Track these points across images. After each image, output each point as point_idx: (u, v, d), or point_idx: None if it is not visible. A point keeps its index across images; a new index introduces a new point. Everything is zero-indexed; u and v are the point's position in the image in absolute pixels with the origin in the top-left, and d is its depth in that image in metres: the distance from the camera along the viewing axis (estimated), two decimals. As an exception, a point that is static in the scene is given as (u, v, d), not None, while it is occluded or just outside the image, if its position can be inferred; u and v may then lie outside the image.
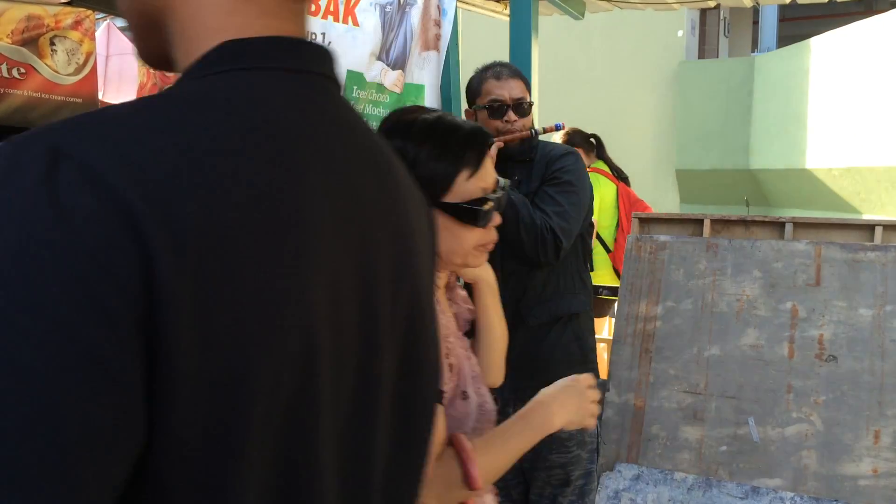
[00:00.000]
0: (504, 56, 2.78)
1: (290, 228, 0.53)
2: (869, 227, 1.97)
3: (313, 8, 2.44)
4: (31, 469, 0.41)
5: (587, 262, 2.33)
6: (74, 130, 0.48)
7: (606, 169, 4.03)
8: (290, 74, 0.59)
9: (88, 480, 0.42)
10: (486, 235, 1.22)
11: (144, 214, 0.45)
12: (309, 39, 0.63)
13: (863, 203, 8.47)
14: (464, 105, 2.32)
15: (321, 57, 0.62)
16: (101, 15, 5.21)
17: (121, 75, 5.75)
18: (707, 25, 11.72)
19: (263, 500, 0.52)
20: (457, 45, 3.14)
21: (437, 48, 3.00)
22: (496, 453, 1.16)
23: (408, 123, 1.18)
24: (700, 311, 2.03)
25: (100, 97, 5.18)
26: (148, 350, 0.45)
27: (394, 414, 0.65)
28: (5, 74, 3.52)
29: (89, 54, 3.89)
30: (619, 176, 4.06)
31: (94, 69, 3.95)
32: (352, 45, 2.61)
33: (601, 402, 1.43)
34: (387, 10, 2.73)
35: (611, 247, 3.97)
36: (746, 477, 1.94)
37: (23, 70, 3.58)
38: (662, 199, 11.00)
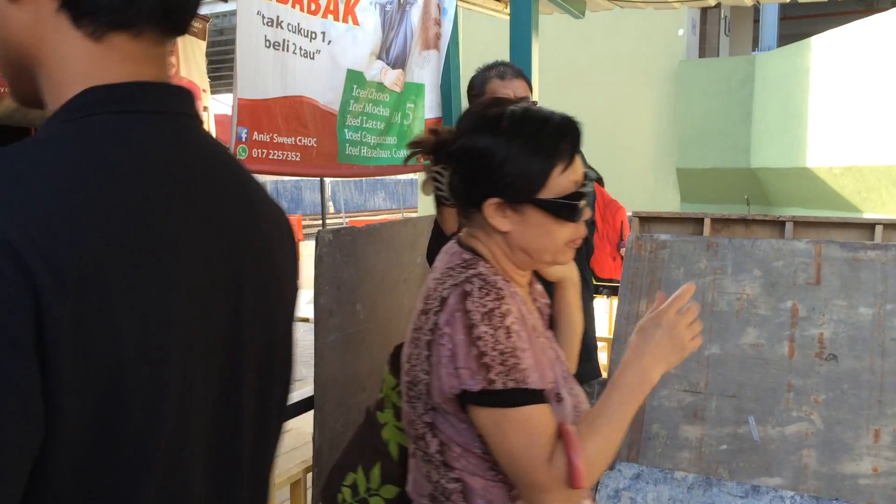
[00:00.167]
0: (504, 55, 2.77)
1: (160, 255, 0.60)
2: (869, 226, 1.97)
3: (314, 7, 2.44)
4: None
5: (588, 260, 2.33)
6: None
7: None
8: (153, 116, 0.66)
9: (11, 482, 0.51)
10: (578, 230, 1.17)
11: (30, 256, 0.52)
12: (169, 82, 0.69)
13: (864, 201, 8.47)
14: (464, 104, 2.31)
15: (181, 97, 0.70)
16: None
17: (121, 74, 5.75)
18: (707, 24, 11.72)
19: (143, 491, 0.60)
20: (457, 44, 3.14)
21: (437, 47, 3.00)
22: (603, 433, 1.08)
23: (495, 118, 1.14)
24: (700, 309, 2.03)
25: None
26: (42, 368, 0.53)
27: (257, 405, 0.75)
28: (5, 74, 3.51)
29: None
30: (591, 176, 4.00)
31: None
32: (352, 43, 2.60)
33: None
34: (387, 8, 2.73)
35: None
36: (746, 476, 1.94)
37: (23, 69, 3.57)
38: (663, 197, 11.00)
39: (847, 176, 8.42)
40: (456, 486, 1.14)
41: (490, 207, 1.13)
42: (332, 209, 21.79)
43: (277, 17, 2.29)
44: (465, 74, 2.54)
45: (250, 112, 2.24)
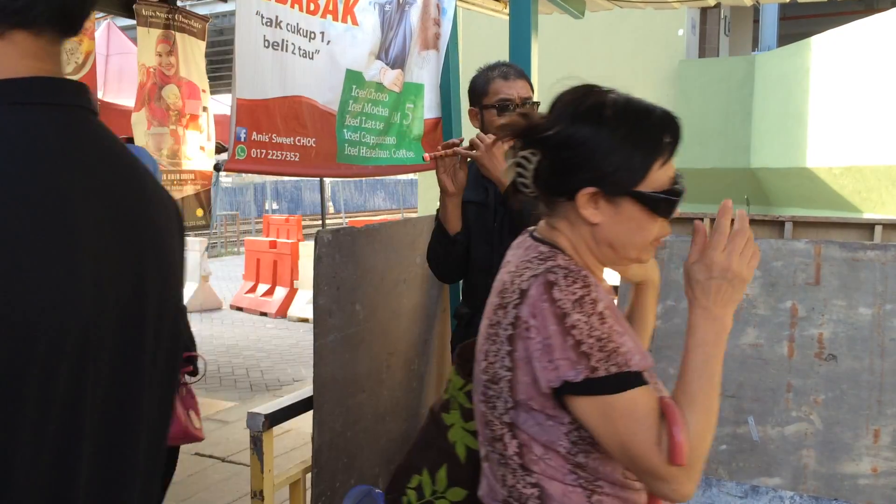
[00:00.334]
0: (504, 55, 2.77)
1: (61, 233, 0.66)
2: (868, 226, 1.97)
3: (313, 7, 2.44)
4: None
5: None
6: None
7: None
8: (53, 108, 0.71)
9: None
10: (665, 229, 1.14)
11: None
12: (66, 78, 0.76)
13: (863, 201, 8.47)
14: (464, 104, 2.31)
15: (78, 91, 0.76)
16: (101, 14, 5.21)
17: (120, 75, 5.75)
18: (707, 24, 11.72)
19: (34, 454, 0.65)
20: (456, 44, 3.14)
21: (436, 47, 3.00)
22: (700, 399, 1.03)
23: (596, 107, 1.11)
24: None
25: (99, 96, 5.19)
26: None
27: (155, 375, 0.81)
28: (5, 74, 3.51)
29: (88, 53, 3.89)
30: None
31: (93, 68, 3.94)
32: (351, 43, 2.60)
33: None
34: (386, 8, 2.73)
35: None
36: (746, 476, 1.94)
37: (22, 69, 3.57)
38: (663, 197, 10.98)
39: (847, 176, 8.42)
40: (533, 490, 1.11)
41: (584, 197, 1.10)
42: (331, 209, 21.79)
43: (276, 17, 2.29)
44: (465, 74, 2.54)
45: (249, 112, 2.24)
